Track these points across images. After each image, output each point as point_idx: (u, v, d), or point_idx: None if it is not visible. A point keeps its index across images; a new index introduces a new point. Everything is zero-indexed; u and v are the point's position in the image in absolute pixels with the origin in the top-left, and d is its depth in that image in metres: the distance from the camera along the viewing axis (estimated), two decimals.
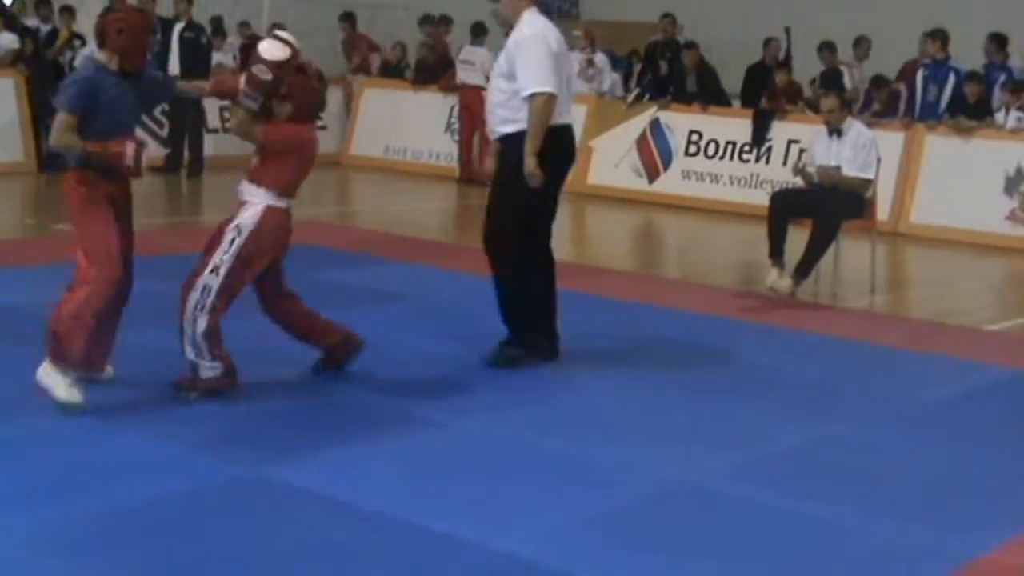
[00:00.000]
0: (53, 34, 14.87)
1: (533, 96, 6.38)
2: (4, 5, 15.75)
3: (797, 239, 8.89)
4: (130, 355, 5.97)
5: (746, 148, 13.76)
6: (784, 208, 9.02)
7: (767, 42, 14.75)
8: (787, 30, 15.31)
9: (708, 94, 14.51)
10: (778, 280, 8.72)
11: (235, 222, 5.75)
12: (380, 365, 6.48)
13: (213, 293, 5.69)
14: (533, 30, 6.51)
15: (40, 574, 4.00)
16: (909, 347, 7.61)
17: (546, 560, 4.17)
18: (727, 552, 4.36)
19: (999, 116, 12.62)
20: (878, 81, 13.72)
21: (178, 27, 14.64)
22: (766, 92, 14.15)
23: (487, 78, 10.32)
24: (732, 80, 14.88)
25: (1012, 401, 6.59)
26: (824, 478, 5.16)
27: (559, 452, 5.32)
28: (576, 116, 14.16)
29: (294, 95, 5.77)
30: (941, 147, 12.65)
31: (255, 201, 5.77)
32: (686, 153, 13.98)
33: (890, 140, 11.93)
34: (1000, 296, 10.26)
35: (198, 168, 14.55)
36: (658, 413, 5.89)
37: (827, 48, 14.69)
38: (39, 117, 14.28)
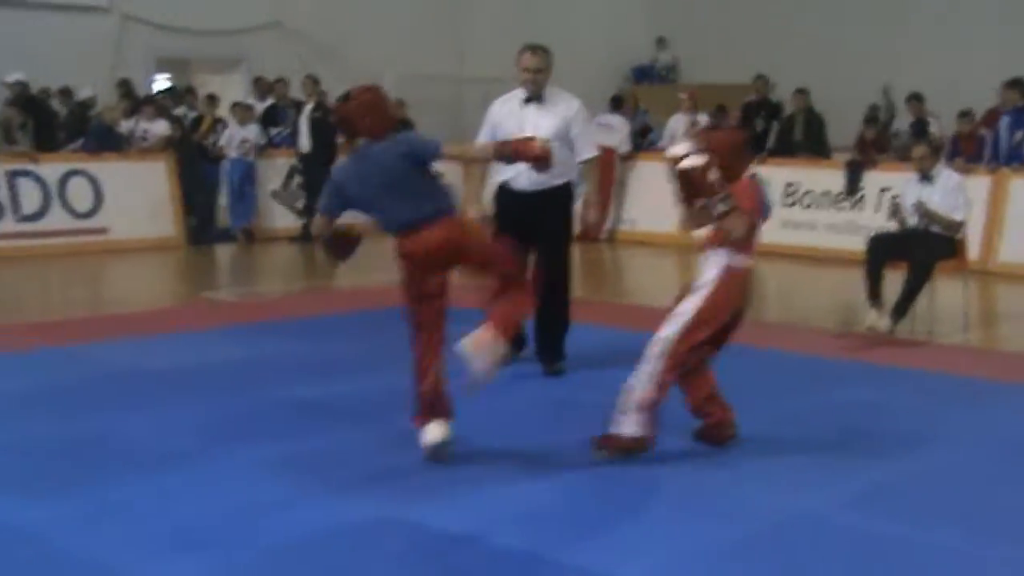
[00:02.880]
0: (198, 120, 15.39)
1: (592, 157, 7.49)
2: (156, 95, 16.24)
3: (893, 280, 8.80)
4: (282, 408, 6.04)
5: (840, 197, 13.63)
6: (880, 252, 8.94)
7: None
8: (886, 90, 15.45)
9: (814, 142, 14.41)
10: (877, 320, 8.64)
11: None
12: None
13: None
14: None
15: None
16: (1003, 379, 7.47)
17: None
18: None
19: None
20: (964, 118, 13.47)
21: (307, 108, 15.02)
22: (856, 145, 14.04)
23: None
24: (829, 133, 14.83)
25: None
26: (937, 506, 5.07)
27: (684, 486, 5.31)
28: None
29: None
30: None
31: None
32: (784, 204, 13.86)
33: (977, 184, 11.75)
34: None
35: None
36: (773, 447, 5.81)
37: (915, 99, 14.63)
38: (186, 195, 14.73)
